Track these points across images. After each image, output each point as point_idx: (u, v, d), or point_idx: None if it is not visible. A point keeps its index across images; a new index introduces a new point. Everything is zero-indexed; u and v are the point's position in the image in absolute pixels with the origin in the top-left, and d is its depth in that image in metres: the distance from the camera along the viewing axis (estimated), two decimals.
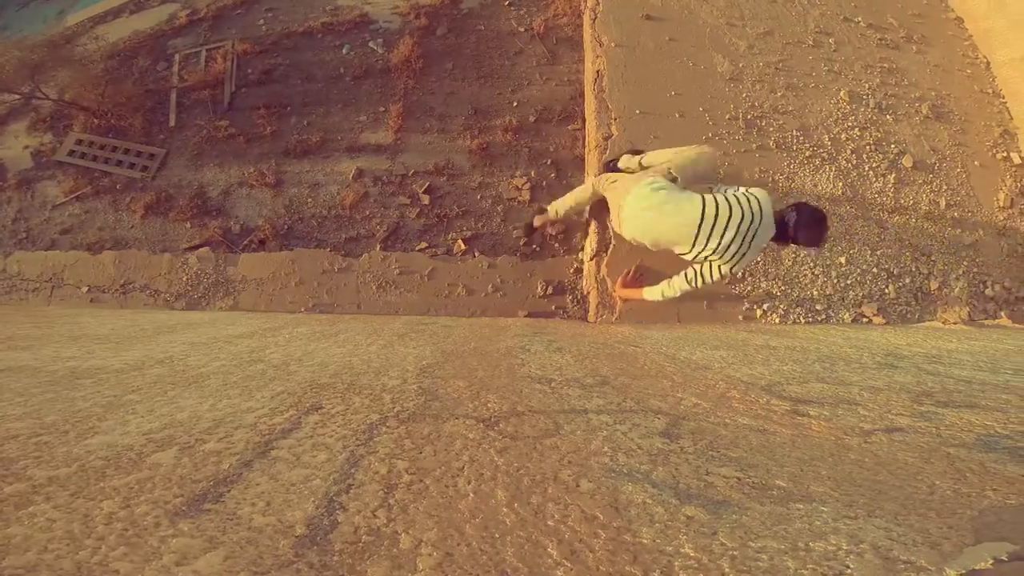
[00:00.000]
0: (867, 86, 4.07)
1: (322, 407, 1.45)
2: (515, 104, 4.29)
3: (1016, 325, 3.52)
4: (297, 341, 2.46)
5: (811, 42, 4.19)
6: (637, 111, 3.62)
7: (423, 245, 3.92)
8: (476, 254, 3.86)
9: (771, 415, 1.50)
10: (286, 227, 4.07)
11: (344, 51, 4.70)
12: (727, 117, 3.73)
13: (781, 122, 3.79)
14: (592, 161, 3.63)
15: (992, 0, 4.76)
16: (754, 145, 3.68)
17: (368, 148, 4.26)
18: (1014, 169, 4.02)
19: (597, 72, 3.79)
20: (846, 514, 0.87)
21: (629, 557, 0.77)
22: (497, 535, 0.84)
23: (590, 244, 3.38)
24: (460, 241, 3.90)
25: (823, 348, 2.54)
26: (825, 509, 0.89)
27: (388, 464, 1.09)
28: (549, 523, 0.87)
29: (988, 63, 4.63)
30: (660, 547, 0.79)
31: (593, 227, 3.37)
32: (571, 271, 3.73)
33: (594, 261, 3.32)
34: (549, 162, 4.07)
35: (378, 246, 3.93)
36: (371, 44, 4.72)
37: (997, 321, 3.57)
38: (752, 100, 3.83)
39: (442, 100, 4.38)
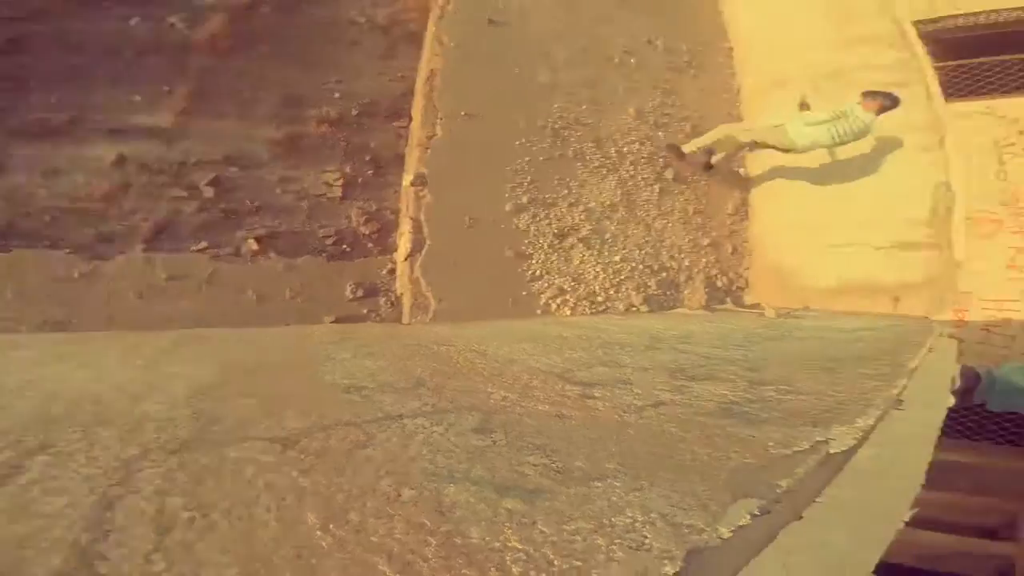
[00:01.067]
0: (650, 104, 4.69)
1: (54, 445, 1.13)
2: (337, 96, 3.94)
3: (738, 309, 4.52)
4: (16, 367, 1.88)
5: (618, 60, 4.65)
6: (463, 113, 3.65)
7: (202, 245, 3.36)
8: (272, 255, 3.47)
9: (566, 400, 1.64)
10: (3, 223, 3.10)
11: (132, 23, 3.75)
12: (539, 124, 3.97)
13: (580, 133, 4.16)
14: (413, 160, 3.56)
15: (750, 33, 5.96)
16: (557, 153, 3.99)
17: (138, 131, 3.48)
18: (741, 181, 5.15)
19: (431, 71, 3.75)
20: (634, 487, 0.99)
21: (464, 560, 0.76)
22: (315, 561, 0.75)
23: (404, 244, 3.32)
24: (252, 240, 3.45)
25: (604, 335, 2.90)
26: (618, 484, 1.00)
27: (157, 502, 0.91)
28: (374, 539, 0.81)
29: (739, 89, 5.76)
30: (489, 544, 0.80)
31: (407, 229, 3.32)
32: (384, 272, 3.61)
33: (408, 261, 3.27)
34: (368, 158, 3.85)
35: (140, 246, 3.26)
36: (172, 19, 3.85)
37: (724, 307, 4.55)
38: (561, 111, 4.12)
39: (249, 84, 3.80)
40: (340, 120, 3.90)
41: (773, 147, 4.25)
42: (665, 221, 4.39)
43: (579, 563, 0.75)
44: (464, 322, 3.25)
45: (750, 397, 1.72)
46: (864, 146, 4.47)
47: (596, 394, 1.70)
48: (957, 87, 5.43)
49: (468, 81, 3.80)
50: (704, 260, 4.55)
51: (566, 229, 3.84)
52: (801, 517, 0.94)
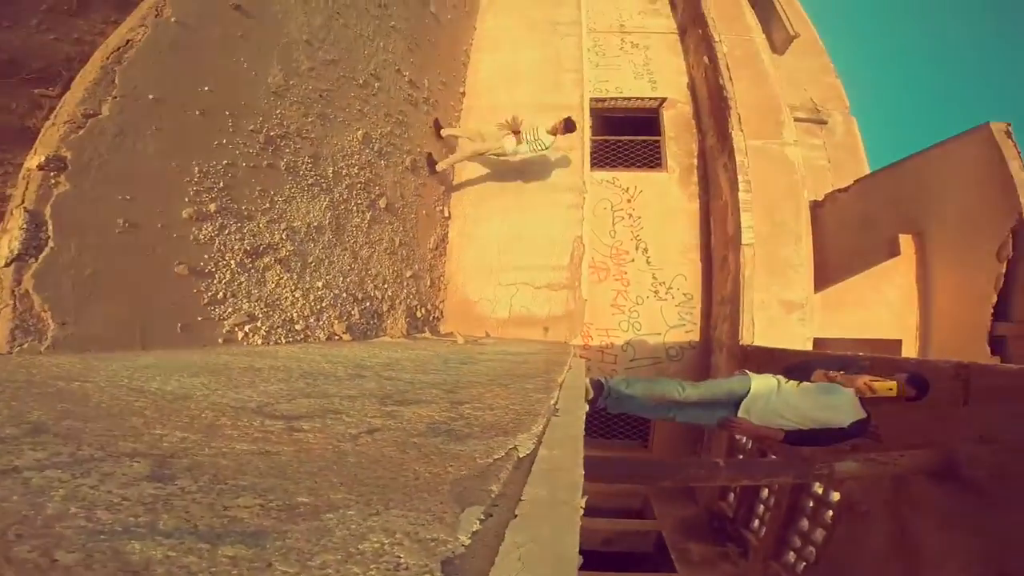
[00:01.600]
0: (379, 132, 4.64)
1: None
2: None
3: (434, 337, 4.86)
4: None
5: (362, 81, 4.43)
6: (151, 96, 2.82)
7: None
8: None
9: (269, 436, 1.45)
10: None
11: None
12: (250, 128, 3.43)
13: (299, 146, 3.82)
14: (52, 138, 2.55)
15: (482, 85, 6.39)
16: (265, 163, 3.54)
17: None
18: (443, 220, 5.62)
19: (128, 41, 2.76)
20: (370, 512, 0.93)
21: None
22: None
23: (8, 243, 2.32)
24: None
25: (304, 365, 2.68)
26: (352, 512, 0.92)
27: None
28: None
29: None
30: None
31: (18, 224, 2.34)
32: None
33: (13, 267, 2.31)
34: None
35: None
36: None
37: (423, 335, 4.83)
38: (283, 119, 3.69)
39: None
40: None
41: (496, 155, 5.14)
42: (372, 250, 4.41)
43: None
44: (104, 352, 2.50)
45: (453, 416, 1.85)
46: (536, 200, 5.70)
47: (304, 426, 1.55)
48: (598, 159, 7.29)
49: (175, 64, 3.06)
50: (406, 291, 4.75)
51: (262, 247, 3.43)
52: (516, 515, 1.05)
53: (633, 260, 6.56)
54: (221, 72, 3.34)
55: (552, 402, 2.15)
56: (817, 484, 4.63)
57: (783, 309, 5.66)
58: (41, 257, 2.29)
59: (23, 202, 2.30)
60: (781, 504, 4.96)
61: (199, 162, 3.08)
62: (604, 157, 7.37)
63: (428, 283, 5.03)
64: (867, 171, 8.96)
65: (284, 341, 3.46)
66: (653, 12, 8.94)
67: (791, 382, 3.29)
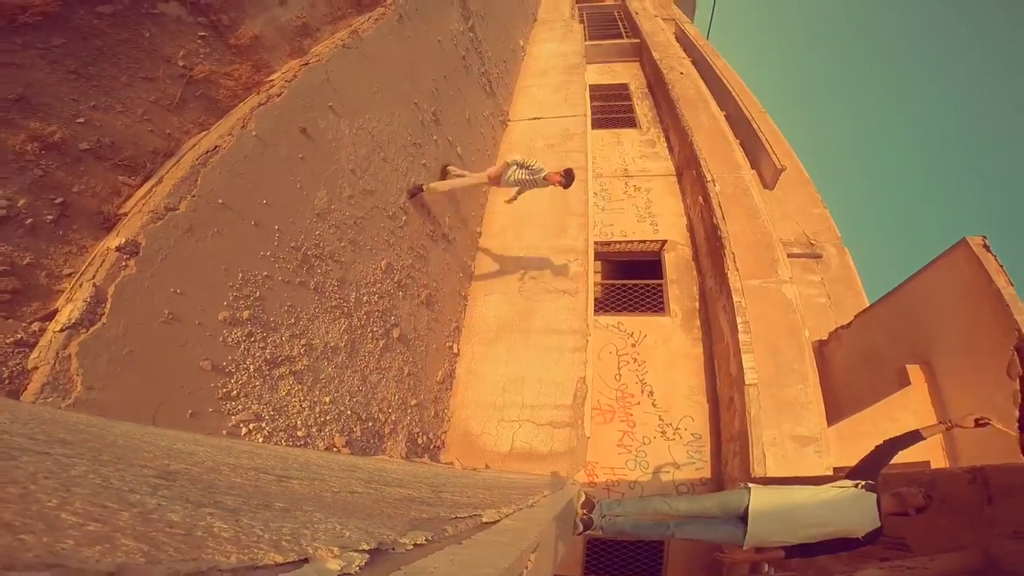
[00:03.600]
0: (401, 264, 5.03)
1: None
2: (80, 120, 3.05)
3: (433, 463, 4.80)
4: None
5: (391, 213, 4.91)
6: (220, 201, 3.25)
7: None
8: None
9: (260, 479, 1.58)
10: None
11: None
12: (291, 245, 3.76)
13: (329, 268, 4.10)
14: (132, 225, 2.98)
15: (496, 224, 6.95)
16: (298, 280, 3.83)
17: None
18: (452, 356, 5.88)
19: (216, 147, 3.35)
20: (335, 518, 1.07)
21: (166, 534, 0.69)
22: None
23: (69, 312, 2.62)
24: None
25: (300, 459, 2.75)
26: (318, 515, 1.06)
27: None
28: None
29: (473, 273, 6.74)
30: (195, 522, 0.75)
31: (84, 296, 2.70)
32: (8, 340, 2.74)
33: (64, 333, 2.60)
34: (58, 200, 2.77)
35: None
36: None
37: (422, 460, 4.78)
38: (320, 240, 4.01)
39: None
40: (59, 144, 2.97)
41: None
42: (382, 376, 4.62)
43: (288, 538, 0.79)
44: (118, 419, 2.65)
45: (431, 496, 1.93)
46: (541, 342, 5.93)
47: (294, 481, 1.67)
48: (603, 303, 7.50)
49: (245, 174, 3.46)
50: (409, 418, 4.83)
51: (281, 358, 3.69)
52: (460, 543, 1.16)
53: (639, 403, 6.58)
54: (279, 189, 3.68)
55: (529, 502, 2.18)
56: None
57: (797, 444, 5.43)
58: (92, 330, 2.58)
59: (94, 277, 2.66)
60: None
61: (244, 270, 3.41)
62: (609, 302, 7.72)
63: (432, 413, 5.11)
64: (866, 303, 8.93)
65: (284, 444, 3.54)
66: (653, 155, 9.95)
67: (823, 488, 3.13)
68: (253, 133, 3.55)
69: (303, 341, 3.87)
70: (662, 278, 7.71)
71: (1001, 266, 5.27)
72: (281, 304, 3.76)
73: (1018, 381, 4.99)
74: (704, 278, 7.40)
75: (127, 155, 3.36)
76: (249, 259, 3.48)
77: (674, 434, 6.47)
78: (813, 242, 10.00)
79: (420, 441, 4.81)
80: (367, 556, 0.80)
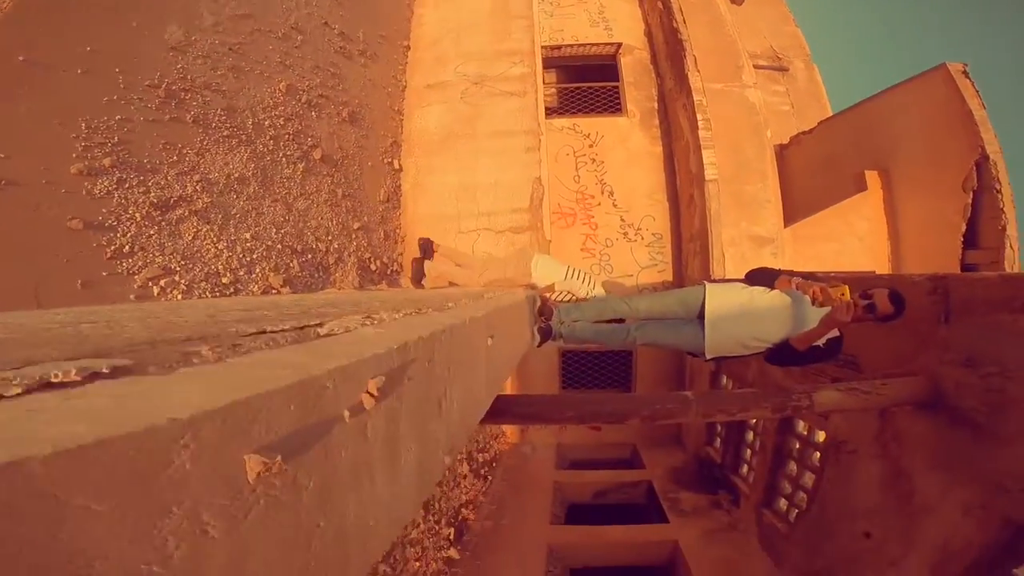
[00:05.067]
0: (307, 84, 4.49)
1: None
2: None
3: (392, 289, 4.71)
4: None
5: (281, 34, 4.27)
6: (20, 58, 2.69)
7: None
8: None
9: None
10: None
11: None
12: (146, 84, 3.30)
13: (208, 99, 3.67)
14: None
15: (429, 37, 6.27)
16: (167, 116, 3.41)
17: None
18: (394, 172, 5.42)
19: None
20: None
21: None
22: None
23: None
24: None
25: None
26: None
27: None
28: None
29: (406, 86, 6.10)
30: None
31: None
32: None
33: None
34: None
35: None
36: None
37: (378, 288, 4.69)
38: (186, 73, 3.56)
39: None
40: None
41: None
42: (309, 201, 4.25)
43: None
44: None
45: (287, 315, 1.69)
46: (490, 146, 5.42)
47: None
48: (558, 108, 7.11)
49: (52, 22, 2.93)
50: (355, 243, 4.59)
51: (172, 200, 3.31)
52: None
53: (600, 204, 6.53)
54: (105, 32, 3.18)
55: (427, 308, 1.95)
56: (802, 425, 4.31)
57: (754, 244, 5.62)
58: None
59: None
60: (767, 447, 4.68)
61: (86, 119, 2.97)
62: (563, 104, 7.37)
63: (381, 235, 4.87)
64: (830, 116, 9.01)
65: (210, 295, 3.37)
66: None
67: (768, 292, 2.94)
68: None
69: (196, 177, 3.47)
70: (618, 80, 7.27)
71: (977, 91, 5.35)
72: (153, 144, 3.30)
73: (971, 195, 5.21)
74: (663, 80, 7.07)
75: None
76: (89, 107, 3.02)
77: (636, 235, 6.49)
78: (780, 56, 9.91)
79: (374, 267, 4.64)
80: None
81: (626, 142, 6.82)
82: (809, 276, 2.99)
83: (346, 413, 0.72)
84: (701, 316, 3.00)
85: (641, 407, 2.84)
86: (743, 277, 3.16)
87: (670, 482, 5.84)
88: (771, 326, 2.87)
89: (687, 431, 6.49)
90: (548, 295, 3.80)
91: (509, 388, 5.87)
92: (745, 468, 5.19)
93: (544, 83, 6.38)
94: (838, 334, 2.87)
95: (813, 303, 2.75)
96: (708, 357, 3.00)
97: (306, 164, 4.27)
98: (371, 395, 0.78)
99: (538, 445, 6.52)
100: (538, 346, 3.28)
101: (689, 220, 6.18)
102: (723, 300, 2.97)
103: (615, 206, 6.52)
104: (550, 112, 6.59)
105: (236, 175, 3.72)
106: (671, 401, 2.84)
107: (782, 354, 2.90)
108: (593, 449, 6.68)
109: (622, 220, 6.51)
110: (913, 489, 3.04)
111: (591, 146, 6.49)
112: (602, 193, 6.54)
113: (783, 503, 4.51)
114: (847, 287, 2.66)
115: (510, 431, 6.50)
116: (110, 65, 3.16)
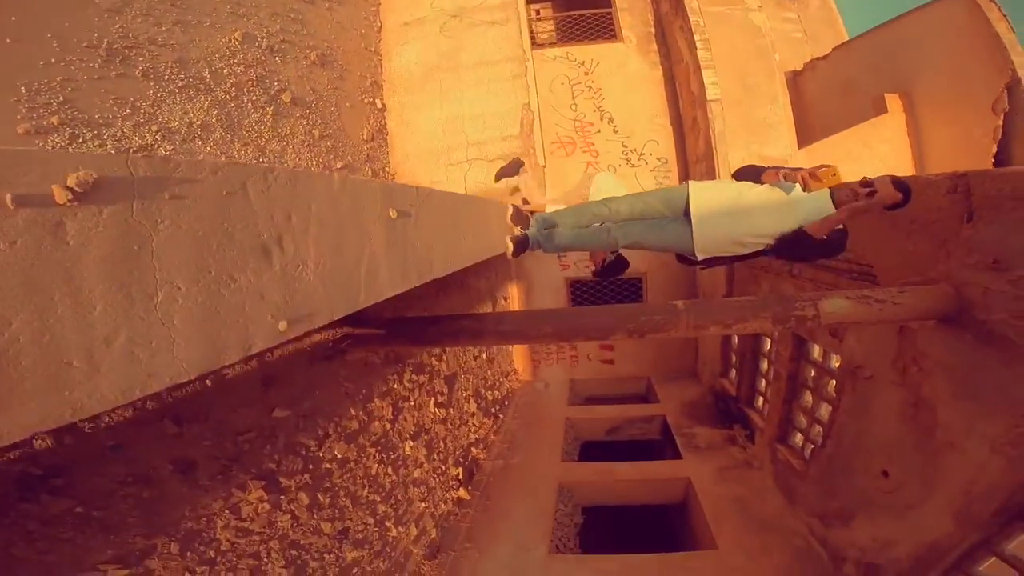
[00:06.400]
0: (266, 31, 4.32)
1: None
2: None
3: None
4: None
5: None
6: None
7: None
8: None
9: None
10: None
11: None
12: (84, 45, 3.26)
13: (156, 54, 3.59)
14: None
15: None
16: (113, 74, 3.37)
17: None
18: (377, 112, 5.18)
19: None
20: None
21: None
22: None
23: None
24: None
25: None
26: None
27: None
28: None
29: (381, 26, 5.78)
30: None
31: None
32: None
33: None
34: None
35: None
36: None
37: None
38: (127, 31, 3.48)
39: None
40: None
41: None
42: (284, 143, 4.12)
43: None
44: None
45: None
46: (475, 77, 5.10)
47: None
48: (546, 38, 6.60)
49: None
50: None
51: (133, 150, 3.26)
52: None
53: (599, 131, 6.20)
54: (30, 4, 3.08)
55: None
56: (817, 350, 4.04)
57: (765, 164, 5.12)
58: None
59: None
60: (781, 376, 4.43)
61: (24, 83, 2.95)
62: (556, 34, 6.84)
63: (369, 173, 4.71)
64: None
65: None
66: None
67: (756, 186, 2.64)
68: None
69: (154, 128, 3.46)
70: (611, 7, 6.72)
71: (1004, 15, 5.16)
72: (102, 100, 3.28)
73: (1002, 117, 5.01)
74: (659, 4, 6.59)
75: None
76: (25, 72, 3.01)
77: (639, 160, 6.20)
78: None
79: None
80: None
81: (623, 67, 6.46)
82: (795, 170, 2.66)
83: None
84: (688, 215, 2.71)
85: (625, 320, 2.63)
86: (733, 175, 2.86)
87: (684, 416, 5.71)
88: (765, 220, 2.58)
89: (703, 362, 6.30)
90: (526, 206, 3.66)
91: None
92: (760, 401, 4.99)
93: (537, 17, 5.96)
94: (843, 228, 2.56)
95: (804, 190, 2.47)
96: (700, 258, 2.73)
97: (275, 107, 4.13)
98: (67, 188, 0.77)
99: (551, 381, 6.47)
100: (513, 255, 3.07)
101: (694, 142, 5.89)
102: (709, 196, 2.67)
103: (616, 132, 6.22)
104: (542, 43, 6.25)
105: (199, 123, 3.64)
106: (659, 312, 2.60)
107: (797, 246, 2.58)
108: (607, 383, 6.59)
109: (624, 146, 6.22)
110: (935, 422, 2.69)
111: (586, 74, 6.13)
112: (601, 120, 6.23)
113: (799, 438, 4.31)
114: (835, 166, 2.40)
115: (522, 368, 6.46)
116: (40, 32, 3.10)
